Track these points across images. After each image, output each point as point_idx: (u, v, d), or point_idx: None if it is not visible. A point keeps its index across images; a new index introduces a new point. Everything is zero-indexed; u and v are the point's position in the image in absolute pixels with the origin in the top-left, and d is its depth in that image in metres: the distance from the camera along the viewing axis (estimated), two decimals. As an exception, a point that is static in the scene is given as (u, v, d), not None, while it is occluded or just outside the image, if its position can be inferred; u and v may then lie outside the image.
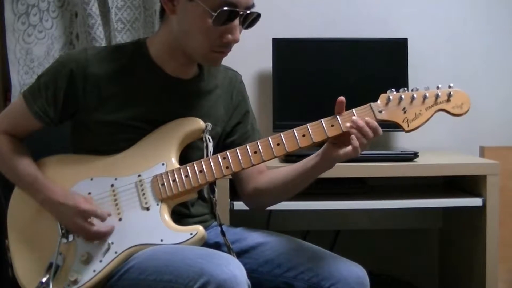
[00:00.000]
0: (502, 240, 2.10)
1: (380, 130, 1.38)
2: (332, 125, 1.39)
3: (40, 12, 2.30)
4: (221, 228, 1.49)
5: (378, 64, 2.39)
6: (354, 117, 1.38)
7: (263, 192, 1.57)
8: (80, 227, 1.40)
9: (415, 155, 2.10)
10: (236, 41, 1.39)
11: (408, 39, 2.39)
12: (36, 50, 2.30)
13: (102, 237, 1.40)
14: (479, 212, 2.05)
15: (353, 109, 1.40)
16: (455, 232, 2.37)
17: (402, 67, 2.38)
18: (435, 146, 2.38)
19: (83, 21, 2.25)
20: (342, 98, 1.39)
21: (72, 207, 1.40)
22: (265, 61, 2.40)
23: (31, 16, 2.29)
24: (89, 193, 1.45)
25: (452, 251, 2.42)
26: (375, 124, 1.38)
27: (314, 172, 1.46)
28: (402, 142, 2.44)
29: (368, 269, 1.48)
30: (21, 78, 2.30)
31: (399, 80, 2.37)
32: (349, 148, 1.36)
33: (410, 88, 2.31)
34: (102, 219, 1.41)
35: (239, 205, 1.99)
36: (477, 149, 2.46)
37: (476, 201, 2.05)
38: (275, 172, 1.56)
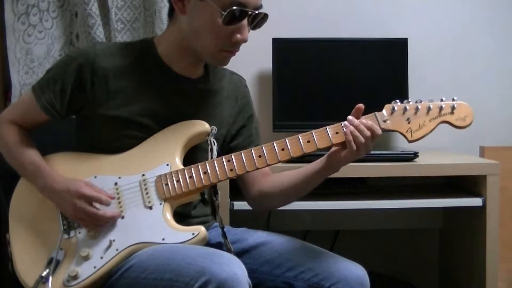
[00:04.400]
0: (502, 240, 2.10)
1: (377, 127, 1.38)
2: (337, 132, 1.40)
3: (40, 12, 2.30)
4: (223, 231, 1.49)
5: (378, 64, 2.39)
6: (350, 117, 1.39)
7: (268, 195, 1.58)
8: (83, 212, 1.40)
9: (415, 155, 2.10)
10: (245, 40, 1.41)
11: (408, 39, 2.39)
12: (36, 50, 2.30)
13: (108, 221, 1.41)
14: (479, 212, 2.05)
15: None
16: (455, 232, 2.37)
17: (402, 67, 2.38)
18: (435, 146, 2.38)
19: (83, 21, 2.25)
20: (361, 105, 1.40)
21: (74, 192, 1.40)
22: (265, 61, 2.40)
23: (31, 16, 2.29)
24: None
25: (452, 251, 2.42)
26: (370, 123, 1.38)
27: (320, 176, 1.47)
28: (402, 142, 2.43)
29: (368, 269, 1.48)
30: (21, 78, 2.30)
31: (399, 80, 2.37)
32: (347, 149, 1.37)
33: (411, 90, 2.32)
34: (107, 204, 1.41)
35: (239, 205, 1.99)
36: (477, 149, 2.46)
37: (476, 201, 2.05)
38: (280, 176, 1.57)
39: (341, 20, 2.49)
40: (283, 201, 1.61)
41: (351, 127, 1.37)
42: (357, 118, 1.40)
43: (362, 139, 1.36)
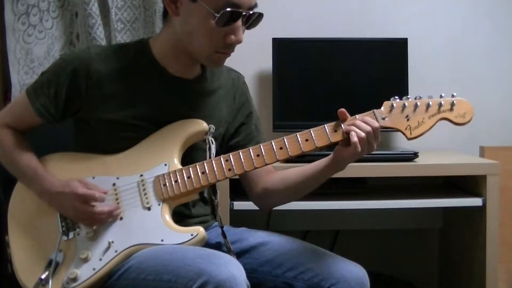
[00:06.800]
0: (502, 240, 2.10)
1: (373, 121, 1.38)
2: (335, 131, 1.40)
3: (40, 12, 2.30)
4: (223, 231, 1.49)
5: (378, 64, 2.39)
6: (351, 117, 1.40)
7: (273, 192, 1.57)
8: (81, 211, 1.40)
9: (415, 155, 2.10)
10: (239, 41, 1.40)
11: (408, 39, 2.39)
12: (36, 50, 2.30)
13: (106, 216, 1.40)
14: (479, 212, 2.05)
15: (356, 115, 1.40)
16: (455, 232, 2.37)
17: (402, 67, 2.38)
18: (435, 146, 2.38)
19: (83, 21, 2.25)
20: (342, 109, 1.40)
21: (70, 193, 1.40)
22: (265, 61, 2.40)
23: (31, 16, 2.29)
24: None
25: (452, 251, 2.42)
26: (366, 118, 1.38)
27: (326, 174, 1.47)
28: (402, 142, 2.44)
29: (368, 269, 1.48)
30: (21, 78, 2.30)
31: (399, 80, 2.37)
32: (350, 146, 1.36)
33: (411, 90, 2.32)
34: (101, 200, 1.41)
35: (239, 205, 2.00)
36: (477, 149, 2.46)
37: (476, 201, 2.05)
38: (286, 172, 1.57)
39: (341, 20, 2.49)
40: (287, 198, 1.61)
41: (349, 124, 1.37)
42: (345, 119, 1.40)
43: (362, 134, 1.36)
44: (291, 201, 1.61)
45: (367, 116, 1.40)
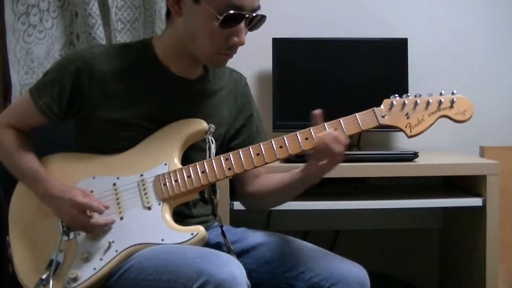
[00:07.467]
0: (502, 240, 2.10)
1: (326, 135, 1.37)
2: (335, 129, 1.40)
3: (40, 12, 2.30)
4: (222, 230, 1.49)
5: (378, 64, 2.39)
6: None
7: (256, 196, 1.59)
8: (77, 220, 1.40)
9: (415, 155, 2.10)
10: (241, 43, 1.40)
11: (408, 39, 2.39)
12: (36, 50, 2.30)
13: (100, 229, 1.41)
14: (479, 212, 2.05)
15: (356, 114, 1.40)
16: (455, 232, 2.37)
17: (402, 67, 2.38)
18: (435, 146, 2.38)
19: (84, 21, 2.25)
20: (317, 111, 1.41)
21: (69, 201, 1.40)
22: (265, 61, 2.40)
23: (31, 16, 2.29)
24: (91, 192, 1.45)
25: (452, 251, 2.42)
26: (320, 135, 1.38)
27: (302, 184, 1.47)
28: (402, 142, 2.44)
29: (368, 269, 1.48)
30: (21, 78, 2.30)
31: (399, 80, 2.37)
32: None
33: (411, 90, 2.32)
34: (99, 212, 1.41)
35: (239, 205, 1.99)
36: (477, 149, 2.46)
37: (476, 201, 2.05)
38: (269, 178, 1.58)
39: (341, 20, 2.49)
40: (274, 202, 1.62)
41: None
42: (316, 123, 1.40)
43: (334, 150, 1.35)
44: (277, 205, 1.62)
45: (369, 117, 1.39)
